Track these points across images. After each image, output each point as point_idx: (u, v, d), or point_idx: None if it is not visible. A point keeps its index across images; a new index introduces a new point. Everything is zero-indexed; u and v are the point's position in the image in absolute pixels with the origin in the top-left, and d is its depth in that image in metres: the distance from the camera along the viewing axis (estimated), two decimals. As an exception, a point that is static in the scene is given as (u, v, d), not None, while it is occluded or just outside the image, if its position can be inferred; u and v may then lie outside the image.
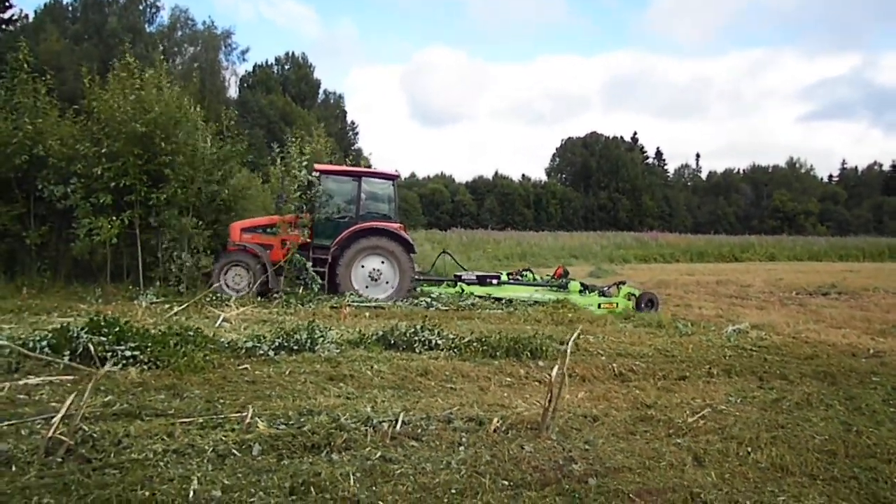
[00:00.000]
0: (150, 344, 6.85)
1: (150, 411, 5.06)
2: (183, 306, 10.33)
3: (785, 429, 5.13)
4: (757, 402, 6.03)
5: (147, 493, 3.45)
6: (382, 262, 13.07)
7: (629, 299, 12.65)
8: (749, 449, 4.58)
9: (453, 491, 3.73)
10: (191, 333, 7.33)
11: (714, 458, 4.40)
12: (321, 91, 63.64)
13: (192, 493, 3.50)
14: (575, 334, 6.32)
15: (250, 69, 57.62)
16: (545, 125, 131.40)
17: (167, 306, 10.52)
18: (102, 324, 7.00)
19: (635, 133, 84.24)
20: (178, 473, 3.79)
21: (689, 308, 13.14)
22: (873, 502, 3.79)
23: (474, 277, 13.80)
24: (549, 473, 3.99)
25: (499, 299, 12.84)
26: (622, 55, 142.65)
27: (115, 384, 5.81)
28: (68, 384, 5.89)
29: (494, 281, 13.70)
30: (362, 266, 13.01)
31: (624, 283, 13.66)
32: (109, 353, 6.61)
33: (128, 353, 6.65)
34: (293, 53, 62.19)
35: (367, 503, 3.53)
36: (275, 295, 12.01)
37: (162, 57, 15.16)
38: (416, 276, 13.75)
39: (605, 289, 13.45)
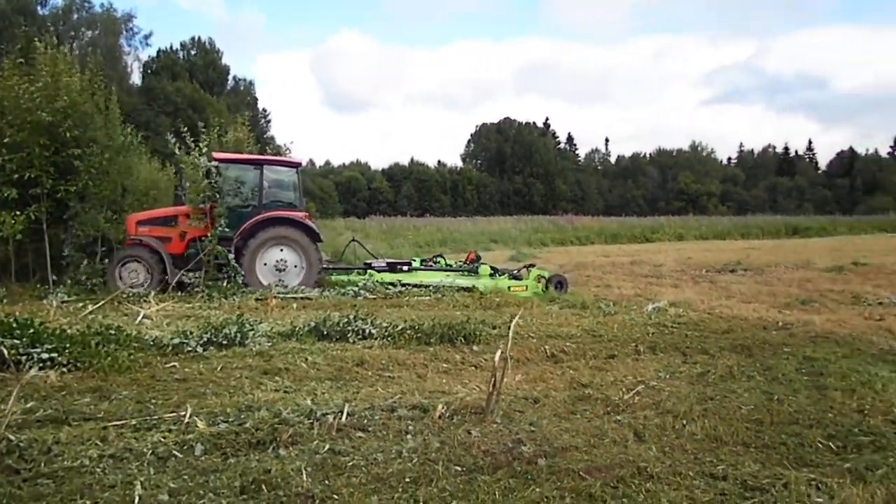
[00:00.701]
0: (68, 345, 6.50)
1: (78, 416, 4.81)
2: (98, 304, 9.84)
3: (714, 401, 5.38)
4: (684, 377, 6.30)
5: (89, 502, 3.28)
6: (288, 252, 12.76)
7: (539, 281, 12.83)
8: (684, 422, 4.78)
9: (407, 480, 3.72)
10: (112, 332, 6.99)
11: (653, 433, 4.57)
12: (230, 77, 61.57)
13: (137, 499, 3.35)
14: (516, 319, 6.39)
15: (154, 54, 55.19)
16: (459, 111, 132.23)
17: (80, 305, 10.00)
18: (14, 325, 6.57)
19: (547, 119, 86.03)
20: (118, 479, 3.62)
21: (609, 288, 13.55)
22: (802, 465, 4.02)
23: (384, 265, 13.72)
24: (499, 457, 4.04)
25: (409, 285, 12.76)
26: (532, 41, 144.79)
27: (35, 389, 5.49)
28: (-20, 391, 5.52)
29: (405, 268, 13.66)
30: (267, 258, 12.65)
31: (533, 265, 13.88)
32: (24, 357, 6.23)
33: (45, 356, 6.27)
34: (199, 38, 59.79)
35: (322, 498, 3.48)
36: (196, 288, 11.61)
37: (56, 42, 14.28)
38: (324, 266, 13.55)
39: (515, 272, 13.61)
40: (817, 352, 7.34)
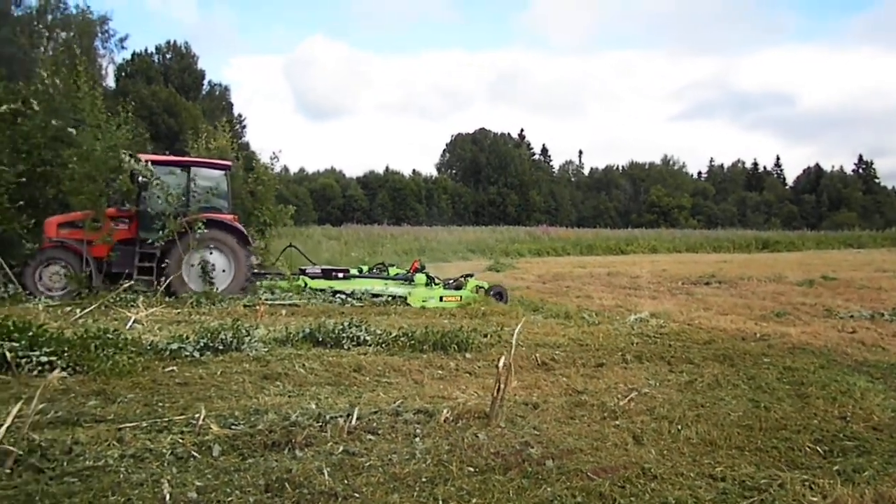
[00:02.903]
0: (66, 348, 6.54)
1: (89, 417, 4.88)
2: (87, 309, 9.82)
3: (704, 407, 5.62)
4: (673, 385, 6.53)
5: (121, 499, 3.38)
6: (215, 256, 12.64)
7: (476, 292, 12.83)
8: (679, 427, 5.00)
9: (424, 479, 3.87)
10: (110, 336, 7.02)
11: (651, 437, 4.78)
12: (205, 82, 61.29)
13: (167, 497, 3.46)
14: (518, 327, 6.54)
15: (128, 58, 54.63)
16: (433, 120, 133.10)
17: (68, 309, 9.98)
18: (12, 328, 6.60)
19: (522, 130, 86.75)
20: (143, 478, 3.72)
21: (590, 299, 13.83)
22: (794, 467, 4.26)
23: (319, 271, 13.70)
24: (509, 458, 4.21)
25: (341, 293, 12.69)
26: (505, 52, 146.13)
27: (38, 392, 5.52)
28: (-18, 394, 5.55)
29: (340, 275, 13.66)
30: (193, 261, 12.46)
31: (471, 275, 13.90)
32: (24, 359, 6.27)
33: (43, 359, 6.33)
34: (175, 42, 59.45)
35: (344, 496, 3.62)
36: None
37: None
38: (255, 270, 13.43)
39: (450, 282, 13.59)
40: (796, 362, 7.60)
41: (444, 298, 12.37)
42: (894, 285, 16.23)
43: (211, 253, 12.56)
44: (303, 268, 13.99)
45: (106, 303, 10.42)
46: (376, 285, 13.24)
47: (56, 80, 12.99)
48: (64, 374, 5.89)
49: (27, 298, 11.02)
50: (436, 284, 13.37)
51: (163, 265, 12.21)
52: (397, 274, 14.51)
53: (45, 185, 12.11)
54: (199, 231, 12.17)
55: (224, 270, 12.66)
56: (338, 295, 12.55)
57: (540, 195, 76.47)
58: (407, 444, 4.49)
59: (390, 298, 12.42)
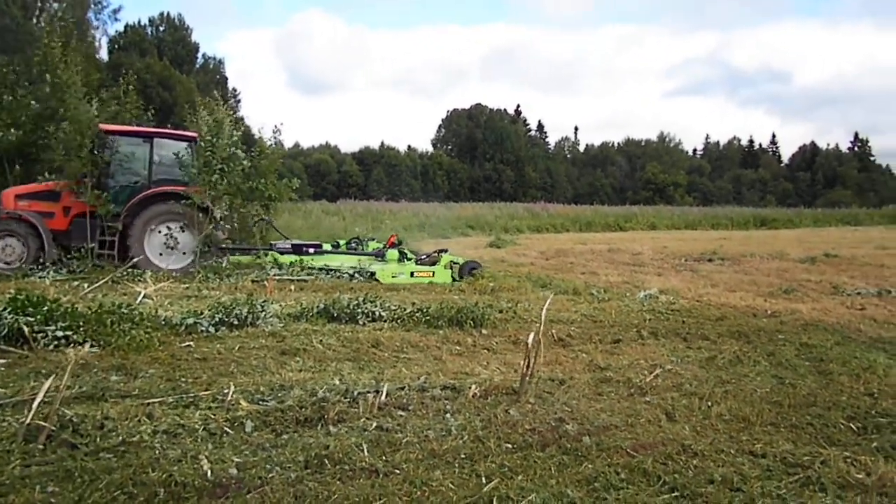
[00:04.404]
0: (81, 323, 6.46)
1: (114, 393, 4.82)
2: (95, 284, 9.70)
3: (730, 384, 5.59)
4: (694, 361, 6.50)
5: (162, 476, 3.32)
6: (180, 230, 12.32)
7: (450, 268, 12.51)
8: (709, 403, 4.98)
9: (463, 456, 3.83)
10: (125, 311, 6.94)
11: (683, 414, 4.75)
12: (200, 55, 60.59)
13: (208, 473, 3.40)
14: (546, 303, 6.46)
15: (121, 30, 53.86)
16: (428, 96, 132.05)
17: (76, 284, 9.88)
18: (27, 302, 6.51)
19: (518, 106, 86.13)
20: (179, 454, 3.67)
21: (596, 276, 13.77)
22: (831, 444, 4.24)
23: (289, 246, 13.42)
24: (546, 435, 4.18)
25: (311, 268, 12.45)
26: (500, 27, 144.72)
27: (58, 366, 5.44)
28: (2, 368, 5.48)
29: (311, 250, 13.39)
30: (156, 235, 12.17)
31: (445, 251, 13.48)
32: (40, 334, 6.19)
33: (59, 334, 6.25)
34: (168, 14, 58.64)
35: (385, 472, 3.57)
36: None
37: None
38: (222, 245, 12.97)
39: (423, 257, 13.29)
40: (812, 339, 7.57)
41: (415, 274, 12.06)
42: (897, 262, 16.26)
43: (170, 228, 12.22)
44: (273, 242, 13.68)
45: (114, 278, 10.31)
46: (345, 261, 13.00)
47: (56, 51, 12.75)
48: (95, 349, 5.82)
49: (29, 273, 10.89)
50: (408, 260, 13.15)
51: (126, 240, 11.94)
52: (375, 249, 14.32)
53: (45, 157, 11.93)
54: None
55: (186, 247, 12.30)
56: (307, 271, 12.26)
57: (536, 171, 76.19)
58: (439, 420, 4.45)
59: (356, 275, 12.06)
